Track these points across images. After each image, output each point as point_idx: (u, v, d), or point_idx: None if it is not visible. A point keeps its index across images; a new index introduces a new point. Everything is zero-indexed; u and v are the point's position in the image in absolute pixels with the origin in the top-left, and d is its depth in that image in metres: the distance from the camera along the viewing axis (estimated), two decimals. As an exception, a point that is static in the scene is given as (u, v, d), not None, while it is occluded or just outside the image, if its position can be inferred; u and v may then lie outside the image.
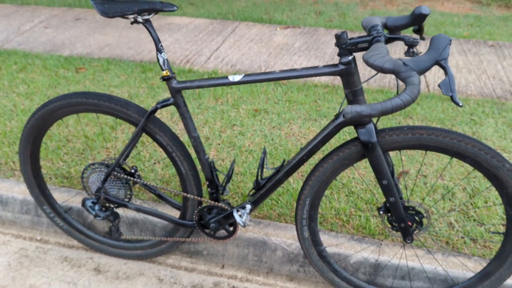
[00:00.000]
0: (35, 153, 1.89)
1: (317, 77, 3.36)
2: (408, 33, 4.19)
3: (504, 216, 2.05)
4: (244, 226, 1.64)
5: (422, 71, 1.15)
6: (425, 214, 1.60)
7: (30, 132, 1.79)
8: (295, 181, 2.27)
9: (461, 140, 1.42)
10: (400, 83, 3.67)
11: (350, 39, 1.36)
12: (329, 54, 3.75)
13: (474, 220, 2.05)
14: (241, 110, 2.91)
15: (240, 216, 1.65)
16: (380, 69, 1.15)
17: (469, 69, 3.55)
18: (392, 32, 1.43)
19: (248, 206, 1.68)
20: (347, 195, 2.20)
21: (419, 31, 1.42)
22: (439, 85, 1.13)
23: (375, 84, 3.29)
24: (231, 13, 4.95)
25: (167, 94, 3.10)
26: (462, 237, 1.97)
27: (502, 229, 2.00)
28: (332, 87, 3.20)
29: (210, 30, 4.34)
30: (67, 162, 2.45)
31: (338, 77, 3.39)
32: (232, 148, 2.53)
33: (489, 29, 4.56)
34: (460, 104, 1.10)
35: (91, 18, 4.65)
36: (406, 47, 3.89)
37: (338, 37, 1.36)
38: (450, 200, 2.16)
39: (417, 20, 1.40)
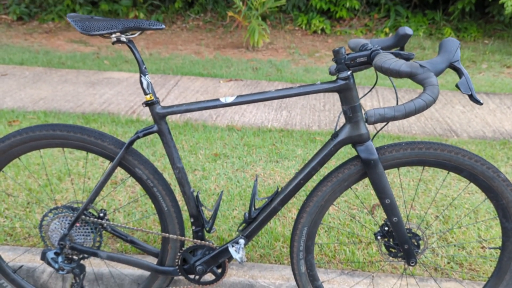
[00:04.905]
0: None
1: (270, 122, 3.35)
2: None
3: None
4: (241, 262, 1.48)
5: (438, 73, 1.15)
6: (422, 236, 1.56)
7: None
8: (272, 221, 2.15)
9: (458, 153, 1.43)
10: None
11: (347, 54, 1.35)
12: (277, 102, 3.80)
13: (454, 245, 2.05)
14: (200, 155, 2.78)
15: (235, 251, 1.49)
16: (397, 72, 1.13)
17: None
18: None
19: (242, 241, 1.53)
20: (326, 231, 2.11)
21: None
22: (456, 85, 1.14)
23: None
24: (170, 69, 4.90)
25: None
26: (448, 262, 1.95)
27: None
28: (286, 131, 3.20)
29: (153, 83, 4.24)
30: (9, 218, 2.13)
31: (293, 120, 3.42)
32: (198, 192, 2.37)
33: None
34: (481, 102, 1.11)
35: (19, 74, 4.34)
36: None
37: (336, 52, 1.34)
38: (426, 227, 2.16)
39: (400, 41, 1.43)
